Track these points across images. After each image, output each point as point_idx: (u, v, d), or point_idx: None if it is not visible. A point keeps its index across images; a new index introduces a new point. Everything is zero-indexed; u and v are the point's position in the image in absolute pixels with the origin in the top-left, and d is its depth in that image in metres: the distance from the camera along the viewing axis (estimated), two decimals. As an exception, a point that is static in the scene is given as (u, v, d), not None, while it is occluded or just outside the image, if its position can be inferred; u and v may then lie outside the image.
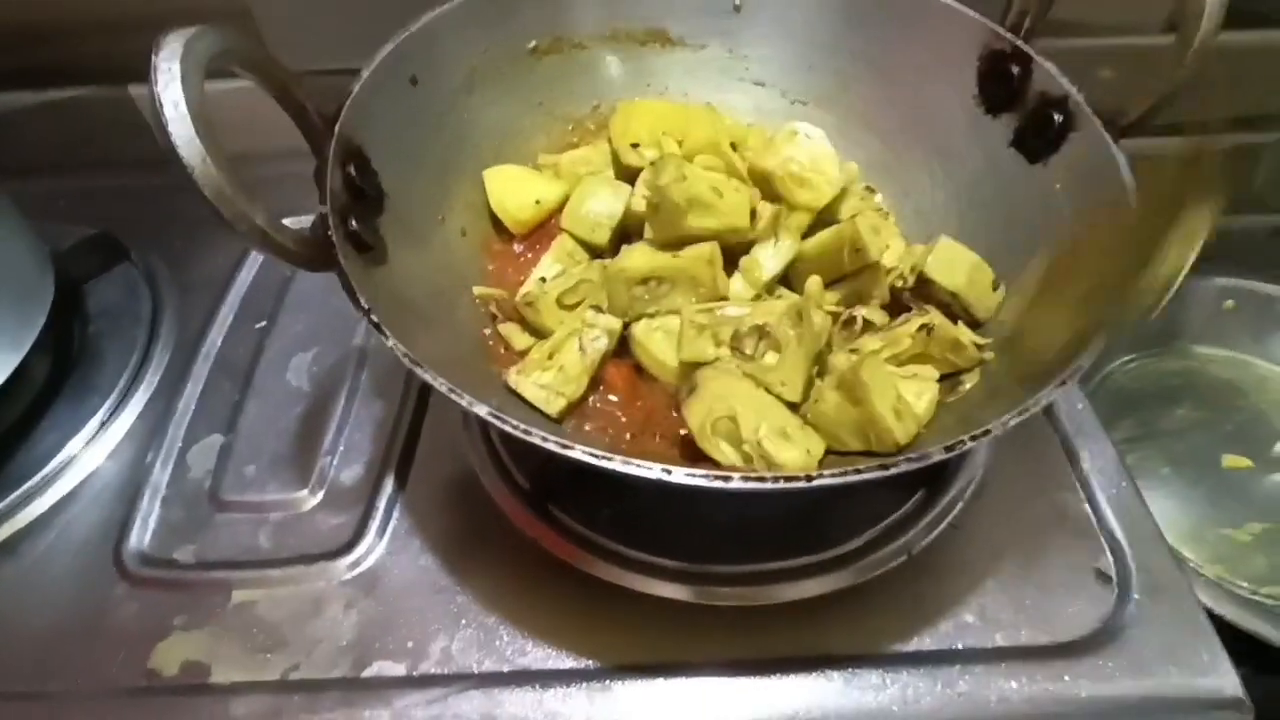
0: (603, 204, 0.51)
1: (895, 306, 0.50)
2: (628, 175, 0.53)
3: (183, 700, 0.42)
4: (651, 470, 0.30)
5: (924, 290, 0.47)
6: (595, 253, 0.52)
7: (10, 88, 0.69)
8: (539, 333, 0.48)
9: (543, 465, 0.48)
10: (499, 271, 0.52)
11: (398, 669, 0.43)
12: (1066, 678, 0.41)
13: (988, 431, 0.33)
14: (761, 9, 0.56)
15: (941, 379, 0.45)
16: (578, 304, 0.48)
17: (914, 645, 0.43)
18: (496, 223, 0.53)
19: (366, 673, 0.43)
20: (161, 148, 0.31)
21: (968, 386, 0.44)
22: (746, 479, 0.30)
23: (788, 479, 0.30)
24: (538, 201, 0.52)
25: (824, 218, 0.51)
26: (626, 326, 0.47)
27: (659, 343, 0.46)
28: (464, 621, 0.45)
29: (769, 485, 0.30)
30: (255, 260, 0.64)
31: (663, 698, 0.42)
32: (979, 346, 0.45)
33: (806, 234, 0.50)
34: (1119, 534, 0.47)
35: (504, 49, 0.52)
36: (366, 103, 0.43)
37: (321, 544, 0.48)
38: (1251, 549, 0.70)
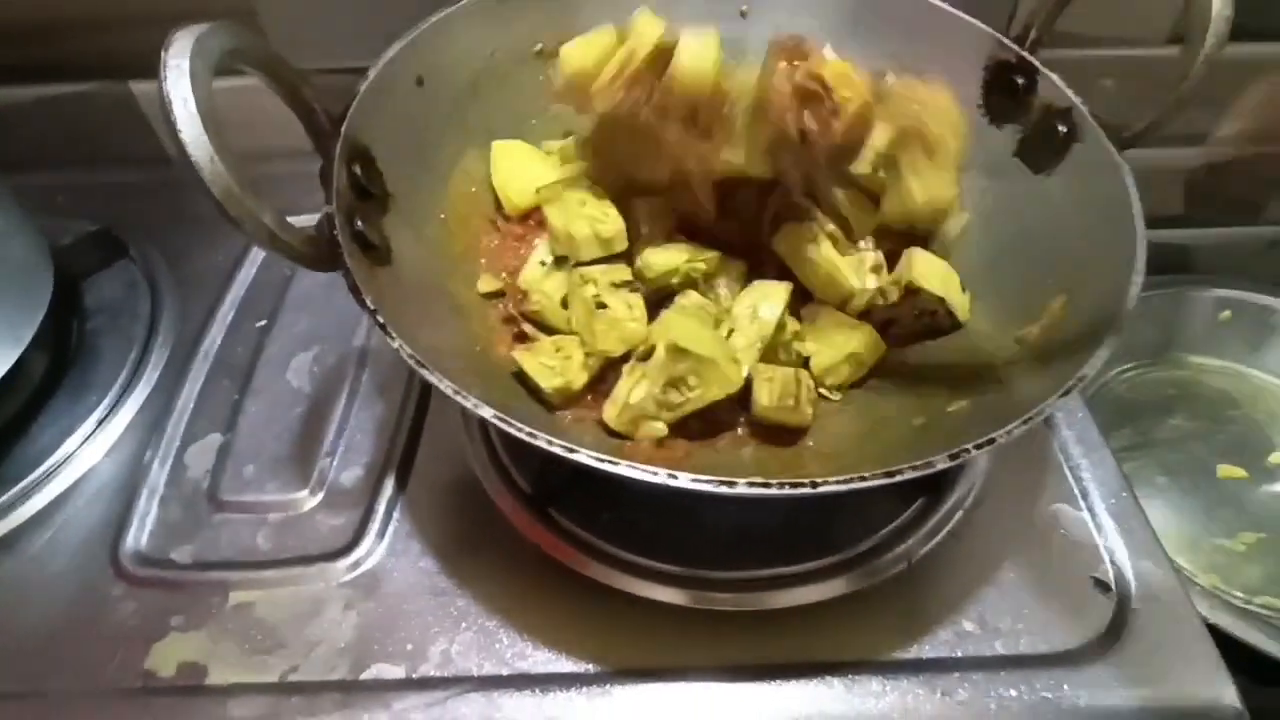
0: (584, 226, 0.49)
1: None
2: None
3: (179, 701, 0.42)
4: (657, 475, 0.30)
5: (910, 301, 0.48)
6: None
7: (12, 82, 0.68)
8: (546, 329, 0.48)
9: (544, 468, 0.48)
10: (500, 251, 0.52)
11: (397, 671, 0.43)
12: (1066, 686, 0.41)
13: (992, 440, 0.33)
14: (768, 14, 0.56)
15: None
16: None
17: (914, 653, 0.43)
18: (498, 199, 0.53)
19: (365, 675, 0.43)
20: (165, 144, 0.31)
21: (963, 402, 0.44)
22: (751, 484, 0.30)
23: (793, 485, 0.30)
24: (539, 191, 0.51)
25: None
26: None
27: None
28: (464, 624, 0.44)
29: (773, 491, 0.30)
30: (256, 258, 0.64)
31: (662, 702, 0.42)
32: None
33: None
34: (1118, 543, 0.47)
35: (510, 51, 0.52)
36: (372, 103, 0.43)
37: (321, 545, 0.48)
38: (1246, 559, 0.71)
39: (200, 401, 0.55)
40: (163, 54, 0.31)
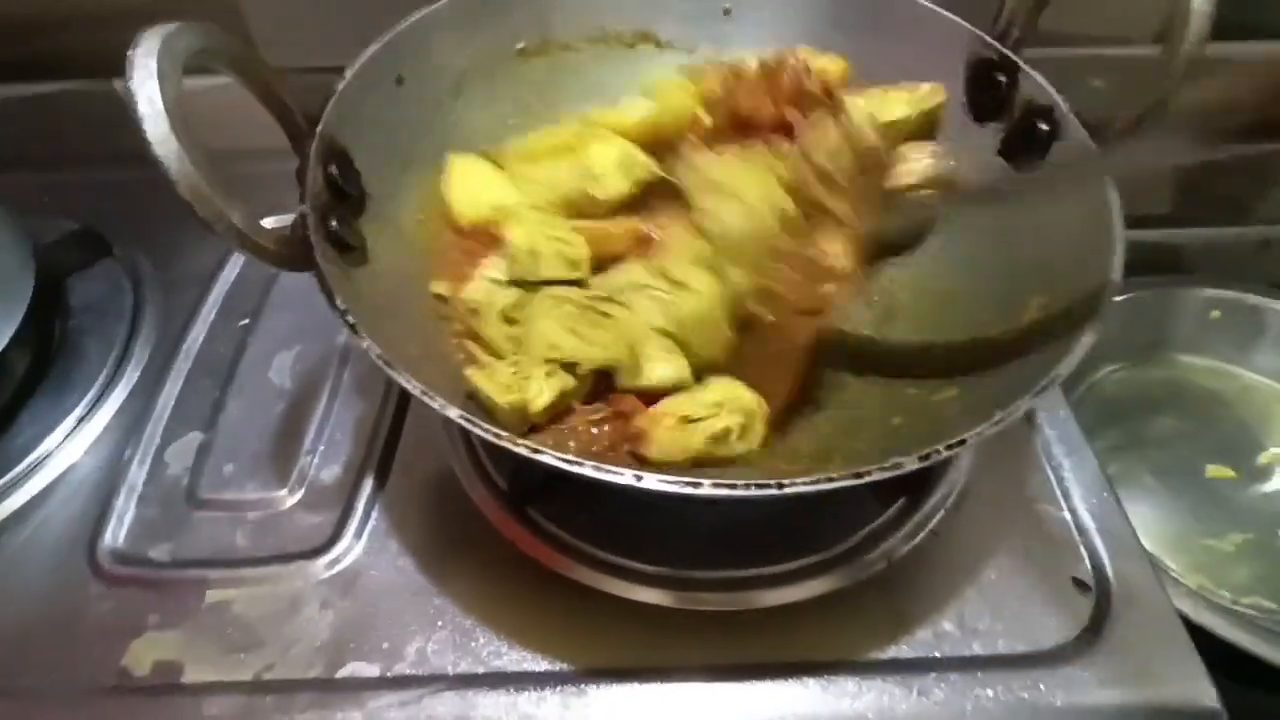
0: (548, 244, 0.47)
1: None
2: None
3: (155, 700, 0.42)
4: (622, 476, 0.30)
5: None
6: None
7: (-5, 80, 0.68)
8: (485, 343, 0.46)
9: (520, 468, 0.48)
10: (457, 261, 0.50)
11: (372, 670, 0.43)
12: (1042, 686, 0.41)
13: (963, 441, 0.33)
14: (752, 13, 0.56)
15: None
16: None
17: (891, 653, 0.43)
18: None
19: (341, 673, 0.43)
20: (143, 143, 0.31)
21: (945, 395, 0.44)
22: (717, 485, 0.30)
23: (759, 485, 0.30)
24: (494, 208, 0.49)
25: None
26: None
27: None
28: (440, 623, 0.44)
29: (739, 492, 0.30)
30: (239, 257, 0.63)
31: (638, 702, 0.42)
32: None
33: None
34: (1098, 544, 0.47)
35: (492, 50, 0.52)
36: (351, 102, 0.43)
37: (299, 543, 0.48)
38: (1233, 559, 0.71)
39: (181, 400, 0.55)
40: (130, 53, 0.31)
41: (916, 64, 0.52)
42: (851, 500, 0.49)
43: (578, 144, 0.50)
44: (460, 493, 0.49)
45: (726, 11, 0.56)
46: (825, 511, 0.48)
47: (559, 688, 0.42)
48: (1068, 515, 0.49)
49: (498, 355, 0.45)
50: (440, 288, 0.48)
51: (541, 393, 0.41)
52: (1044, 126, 0.47)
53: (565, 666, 0.43)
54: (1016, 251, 0.46)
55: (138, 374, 0.57)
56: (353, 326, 0.34)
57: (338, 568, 0.47)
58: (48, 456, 0.52)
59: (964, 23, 0.50)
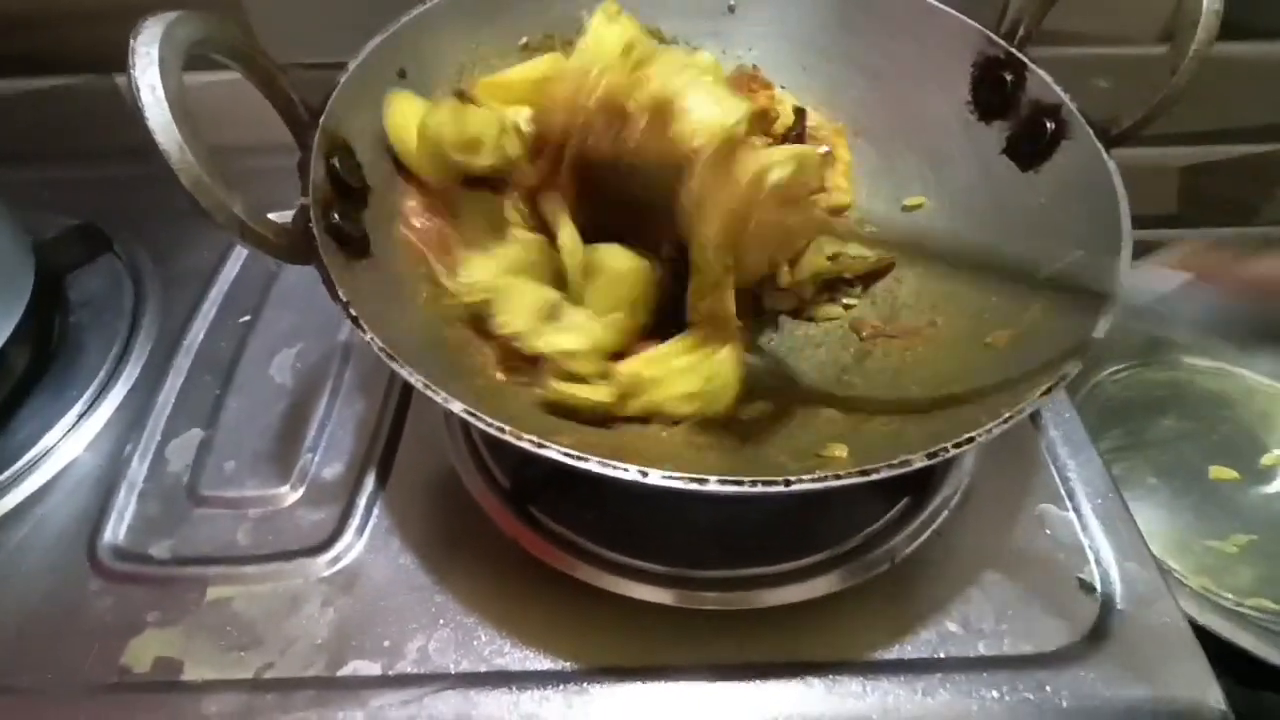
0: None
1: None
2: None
3: (154, 697, 0.42)
4: (627, 471, 0.29)
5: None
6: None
7: (-4, 74, 0.68)
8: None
9: (523, 465, 0.47)
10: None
11: (373, 668, 0.42)
12: (1048, 688, 0.41)
13: (971, 439, 0.33)
14: (755, 10, 0.56)
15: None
16: None
17: (896, 653, 0.43)
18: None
19: (342, 672, 0.42)
20: (144, 136, 0.31)
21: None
22: (723, 482, 0.29)
23: (766, 483, 0.30)
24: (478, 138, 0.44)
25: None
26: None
27: None
28: (442, 621, 0.44)
29: (745, 489, 0.29)
30: (240, 254, 0.63)
31: (641, 702, 0.41)
32: None
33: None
34: (1103, 544, 0.47)
35: (494, 44, 0.52)
36: (353, 95, 0.43)
37: (300, 541, 0.47)
38: (1237, 561, 0.70)
39: (182, 396, 0.55)
40: (131, 41, 0.31)
41: (921, 62, 0.52)
42: (855, 500, 0.48)
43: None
44: (462, 490, 0.49)
45: (731, 8, 0.56)
46: (829, 511, 0.48)
47: (561, 686, 0.42)
48: (1073, 516, 0.48)
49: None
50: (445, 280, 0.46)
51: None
52: (1050, 125, 0.46)
53: (568, 665, 0.42)
54: (1021, 250, 0.46)
55: (138, 370, 0.57)
56: (355, 319, 0.34)
57: (339, 565, 0.46)
58: (48, 452, 0.52)
59: (970, 21, 0.50)
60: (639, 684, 0.42)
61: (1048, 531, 0.48)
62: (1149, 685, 0.42)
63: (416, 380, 0.32)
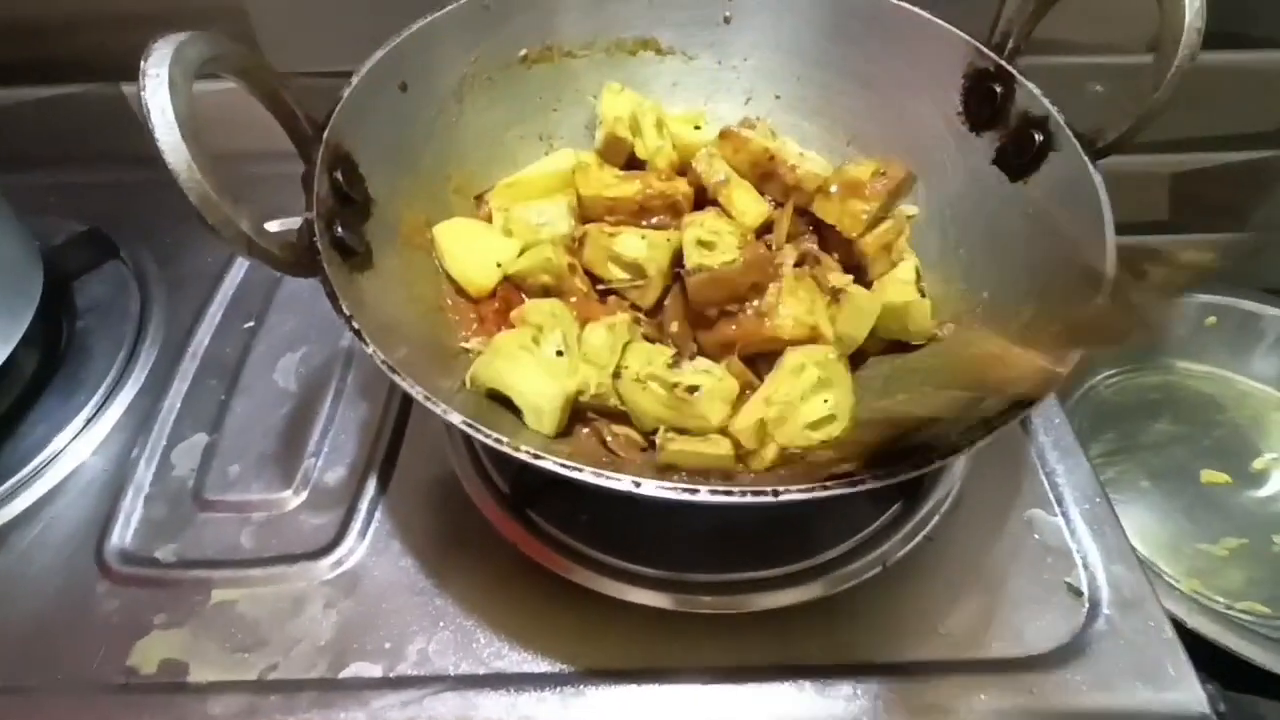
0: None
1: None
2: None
3: (161, 698, 0.43)
4: (621, 482, 0.30)
5: None
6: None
7: (3, 83, 0.69)
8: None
9: (522, 471, 0.48)
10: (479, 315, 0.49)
11: (375, 670, 0.43)
12: (1034, 691, 0.42)
13: (957, 449, 0.33)
14: (751, 21, 0.57)
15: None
16: None
17: (886, 656, 0.44)
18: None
19: (344, 673, 0.43)
20: (152, 146, 0.32)
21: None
22: (714, 492, 0.30)
23: (755, 493, 0.30)
24: (499, 264, 0.49)
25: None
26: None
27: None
28: (442, 624, 0.45)
29: (735, 499, 0.30)
30: (245, 260, 0.64)
31: (636, 704, 0.42)
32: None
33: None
34: (1091, 549, 0.48)
35: (495, 57, 0.53)
36: (356, 108, 0.44)
37: (303, 544, 0.48)
38: (1227, 564, 0.71)
39: (187, 401, 0.56)
40: (142, 64, 0.32)
41: (913, 73, 0.53)
42: (847, 506, 0.49)
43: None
44: (462, 495, 0.49)
45: (727, 19, 0.57)
46: (821, 516, 0.49)
47: (559, 689, 0.43)
48: (1061, 521, 0.49)
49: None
50: (473, 344, 0.47)
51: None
52: (1039, 137, 0.47)
53: (565, 668, 0.43)
54: (1009, 261, 0.47)
55: (145, 375, 0.58)
56: (358, 332, 0.35)
57: (341, 569, 0.47)
58: (56, 456, 0.53)
59: (961, 33, 0.50)
60: (635, 686, 0.43)
61: (1036, 536, 0.49)
62: (1135, 688, 0.42)
63: (418, 393, 0.33)
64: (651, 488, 0.31)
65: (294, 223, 0.39)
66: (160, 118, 0.31)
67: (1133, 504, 0.74)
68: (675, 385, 0.41)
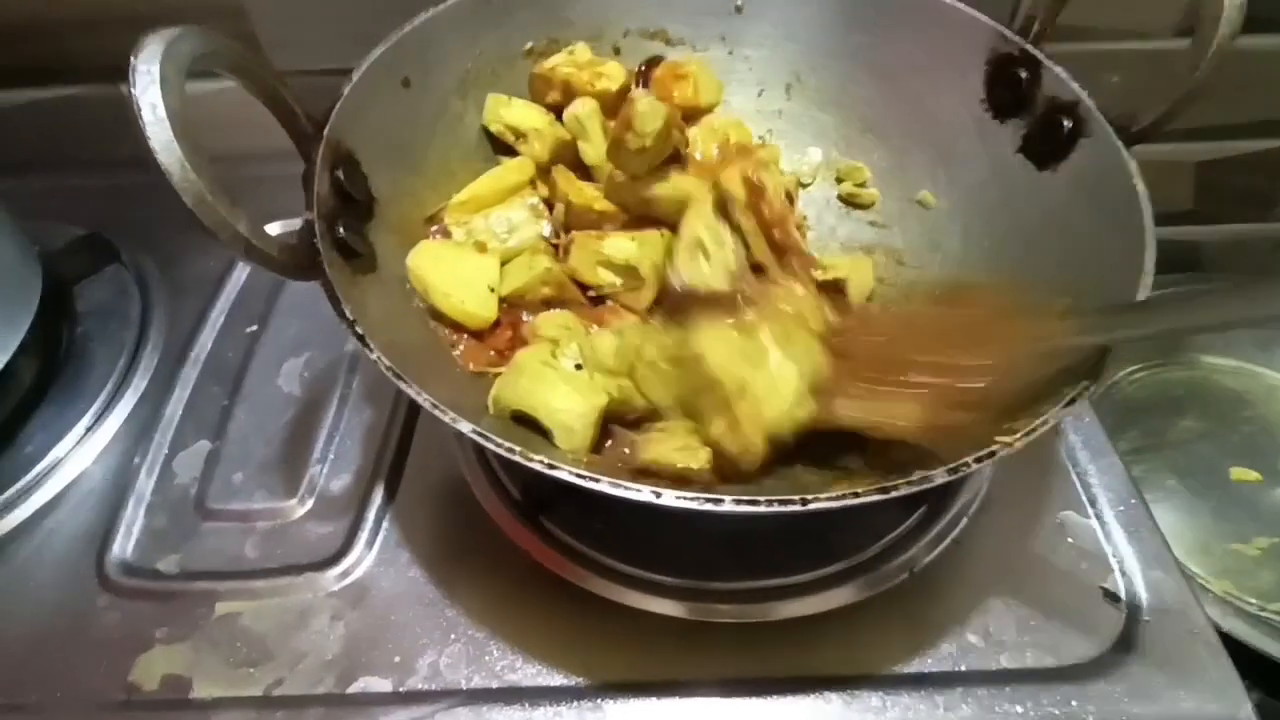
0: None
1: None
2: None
3: (163, 715, 0.41)
4: (640, 493, 0.29)
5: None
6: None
7: (2, 85, 0.68)
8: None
9: (534, 477, 0.47)
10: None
11: (384, 685, 0.42)
12: (1074, 702, 0.40)
13: (993, 453, 0.32)
14: (764, 10, 0.55)
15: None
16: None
17: (915, 666, 0.42)
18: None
19: (352, 688, 0.42)
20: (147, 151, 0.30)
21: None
22: (739, 501, 0.29)
23: (782, 502, 0.29)
24: (490, 288, 0.46)
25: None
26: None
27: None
28: (453, 636, 0.44)
29: (761, 509, 0.29)
30: (243, 263, 0.63)
31: (655, 717, 0.41)
32: None
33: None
34: (1127, 552, 0.46)
35: (499, 51, 0.51)
36: (357, 105, 0.42)
37: (309, 554, 0.47)
38: (1259, 564, 0.69)
39: (189, 408, 0.55)
40: (132, 59, 0.30)
41: (932, 60, 0.51)
42: (871, 510, 0.47)
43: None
44: (472, 502, 0.48)
45: (738, 8, 0.55)
46: (845, 521, 0.47)
47: (575, 703, 0.41)
48: (1095, 523, 0.47)
49: None
50: (477, 366, 0.45)
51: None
52: (1067, 123, 0.45)
53: (580, 681, 0.42)
54: (1041, 255, 0.45)
55: (146, 381, 0.56)
56: (361, 337, 0.33)
57: (348, 579, 0.46)
58: (56, 465, 0.52)
59: (984, 17, 0.49)
60: (653, 699, 0.41)
61: (1069, 539, 0.47)
62: (1178, 699, 0.41)
63: (425, 400, 0.32)
64: (671, 498, 0.29)
65: (295, 224, 0.38)
66: (151, 114, 0.30)
67: (1160, 503, 0.72)
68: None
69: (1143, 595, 0.44)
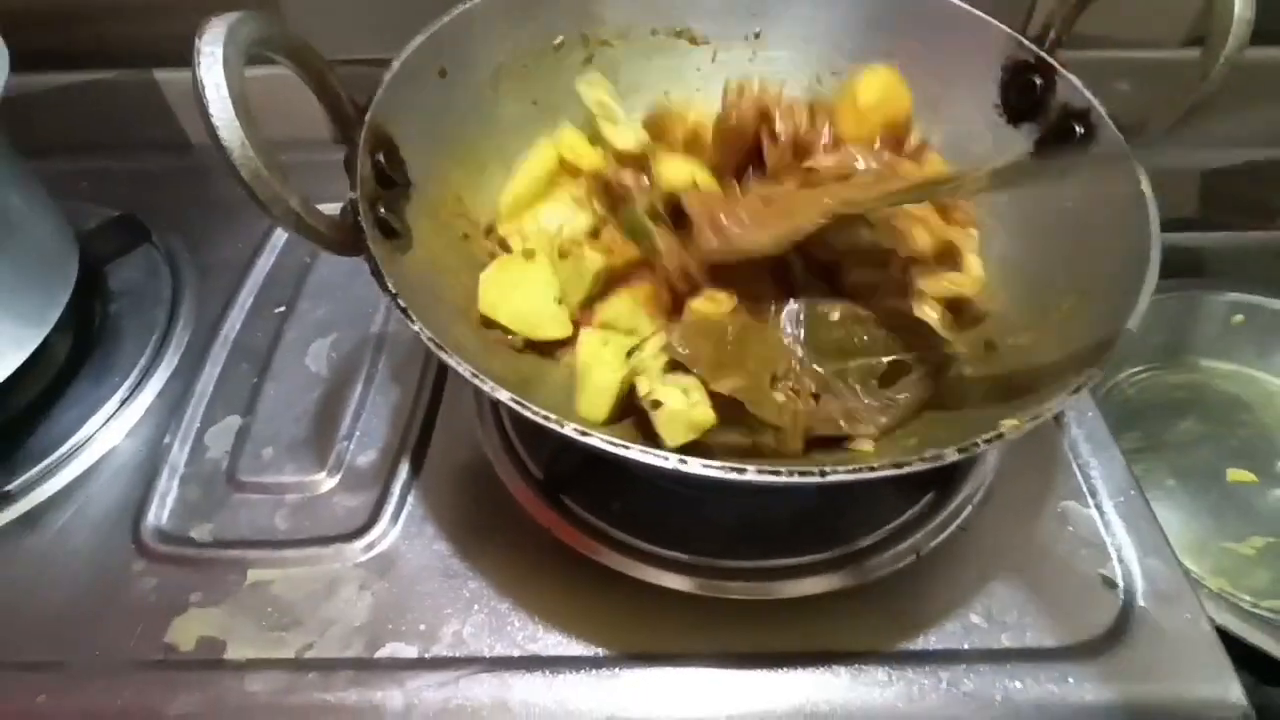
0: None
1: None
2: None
3: (199, 675, 0.43)
4: (667, 460, 0.30)
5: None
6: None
7: (39, 69, 0.69)
8: None
9: (556, 454, 0.49)
10: None
11: (410, 651, 0.44)
12: (1071, 680, 0.42)
13: (1000, 435, 0.33)
14: (786, 13, 0.56)
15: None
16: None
17: (920, 644, 0.44)
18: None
19: (379, 653, 0.43)
20: (190, 131, 0.32)
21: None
22: (761, 471, 0.30)
23: (802, 473, 0.30)
24: (557, 300, 0.46)
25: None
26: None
27: None
28: (475, 606, 0.45)
29: (783, 479, 0.30)
30: (276, 245, 0.65)
31: (669, 687, 0.43)
32: None
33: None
34: (1125, 541, 0.48)
35: (530, 45, 0.53)
36: (396, 93, 0.44)
37: (337, 526, 0.49)
38: (1254, 563, 0.71)
39: (220, 384, 0.56)
40: (196, 40, 0.32)
41: (950, 65, 0.53)
42: (880, 495, 0.49)
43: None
44: (494, 478, 0.50)
45: (762, 11, 0.57)
46: (854, 506, 0.49)
47: (593, 671, 0.43)
48: (1095, 513, 0.49)
49: None
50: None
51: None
52: (1079, 129, 0.47)
53: (599, 651, 0.43)
54: (1050, 255, 0.47)
55: (177, 358, 0.58)
56: (405, 310, 0.35)
57: (375, 551, 0.48)
58: (90, 438, 0.54)
59: (1001, 25, 0.50)
60: (668, 669, 0.43)
61: (1070, 528, 0.48)
62: (1170, 681, 0.42)
63: (465, 369, 0.33)
64: (696, 465, 0.31)
65: (326, 208, 0.39)
66: (215, 94, 0.31)
67: (1158, 502, 0.73)
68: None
69: (1139, 582, 0.46)
